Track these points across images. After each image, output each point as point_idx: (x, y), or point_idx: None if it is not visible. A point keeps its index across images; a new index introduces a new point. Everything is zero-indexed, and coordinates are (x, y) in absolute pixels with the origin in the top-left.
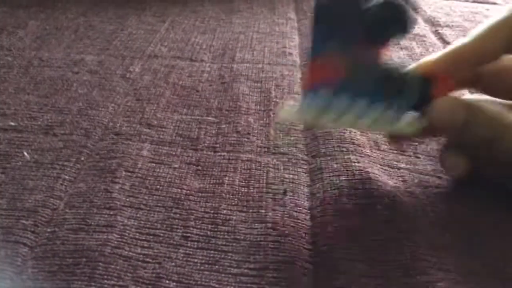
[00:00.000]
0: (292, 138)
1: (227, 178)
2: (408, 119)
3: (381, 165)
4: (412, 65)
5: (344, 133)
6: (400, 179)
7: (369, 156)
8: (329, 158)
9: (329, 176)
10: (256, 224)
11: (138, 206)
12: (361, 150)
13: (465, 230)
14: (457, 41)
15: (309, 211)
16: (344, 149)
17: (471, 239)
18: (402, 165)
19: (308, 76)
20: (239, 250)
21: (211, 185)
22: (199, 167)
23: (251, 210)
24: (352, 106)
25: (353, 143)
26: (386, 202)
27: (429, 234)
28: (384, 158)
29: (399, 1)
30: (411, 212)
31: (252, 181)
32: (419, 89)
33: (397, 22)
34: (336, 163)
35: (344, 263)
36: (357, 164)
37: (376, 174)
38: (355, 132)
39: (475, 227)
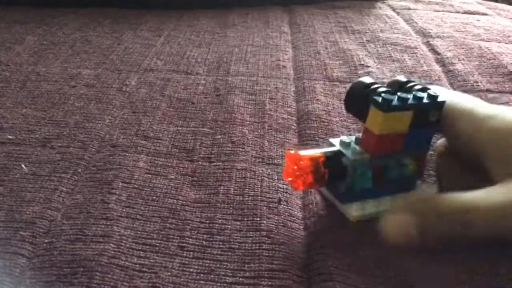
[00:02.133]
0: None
1: (222, 187)
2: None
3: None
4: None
5: None
6: None
7: None
8: None
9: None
10: (251, 233)
11: (135, 216)
12: None
13: (453, 244)
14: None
15: (302, 221)
16: None
17: (461, 252)
18: None
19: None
20: (234, 259)
21: (206, 195)
22: (195, 178)
23: (246, 219)
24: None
25: None
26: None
27: (420, 247)
28: None
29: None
30: None
31: (247, 190)
32: None
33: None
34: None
35: (337, 272)
36: None
37: None
38: None
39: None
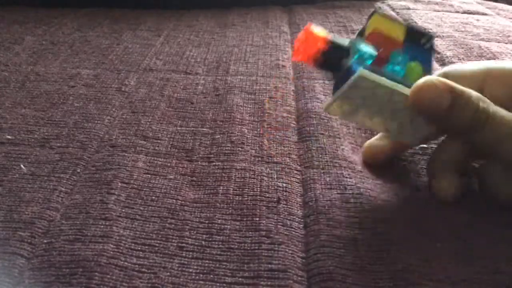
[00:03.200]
0: (285, 148)
1: (221, 187)
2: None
3: (373, 180)
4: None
5: (337, 150)
6: (392, 193)
7: (361, 172)
8: (322, 171)
9: (322, 188)
10: (250, 233)
11: (134, 216)
12: (354, 166)
13: (456, 240)
14: None
15: (302, 220)
16: (337, 164)
17: (462, 249)
18: (394, 180)
19: None
20: (233, 259)
21: (205, 195)
22: (194, 178)
23: (245, 219)
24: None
25: (346, 160)
26: (377, 215)
27: (420, 244)
28: (377, 174)
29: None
30: (402, 224)
31: (246, 190)
32: None
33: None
34: (329, 177)
35: (337, 272)
36: (349, 180)
37: (368, 189)
38: (348, 150)
39: (465, 236)
